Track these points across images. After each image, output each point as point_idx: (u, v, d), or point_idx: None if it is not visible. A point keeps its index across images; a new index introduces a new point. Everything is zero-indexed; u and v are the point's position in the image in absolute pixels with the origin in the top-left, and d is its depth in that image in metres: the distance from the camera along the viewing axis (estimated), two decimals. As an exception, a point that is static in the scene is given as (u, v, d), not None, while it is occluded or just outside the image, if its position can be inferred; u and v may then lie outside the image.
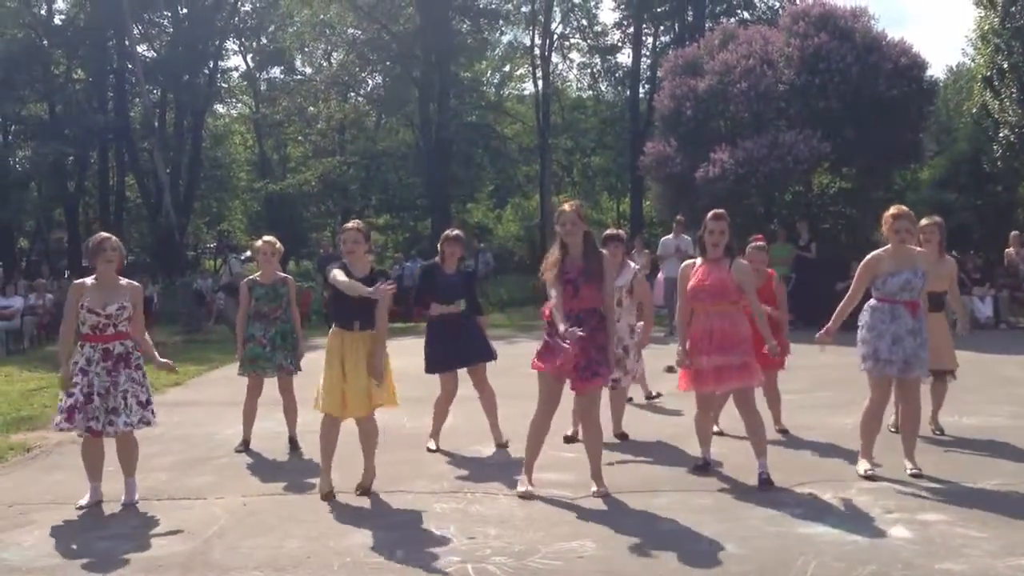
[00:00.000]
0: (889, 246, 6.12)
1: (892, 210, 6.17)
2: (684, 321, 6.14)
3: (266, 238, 7.70)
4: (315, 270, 22.93)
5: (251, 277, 7.73)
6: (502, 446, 7.24)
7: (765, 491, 5.80)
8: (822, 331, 6.19)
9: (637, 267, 7.63)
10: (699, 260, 6.14)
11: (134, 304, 5.96)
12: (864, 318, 6.19)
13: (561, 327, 5.45)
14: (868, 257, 6.21)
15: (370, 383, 5.86)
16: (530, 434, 5.95)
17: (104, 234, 6.11)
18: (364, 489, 6.00)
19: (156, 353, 6.15)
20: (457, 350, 7.19)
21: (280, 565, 4.71)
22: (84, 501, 5.92)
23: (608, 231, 7.50)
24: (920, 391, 6.23)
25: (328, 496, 5.90)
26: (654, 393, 9.06)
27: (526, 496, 5.79)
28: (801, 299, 13.78)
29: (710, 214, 6.13)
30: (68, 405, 5.76)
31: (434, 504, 5.72)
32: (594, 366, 5.67)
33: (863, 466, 6.17)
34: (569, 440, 7.24)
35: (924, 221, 7.12)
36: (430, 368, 7.30)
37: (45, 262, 27.40)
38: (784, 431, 7.54)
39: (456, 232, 7.48)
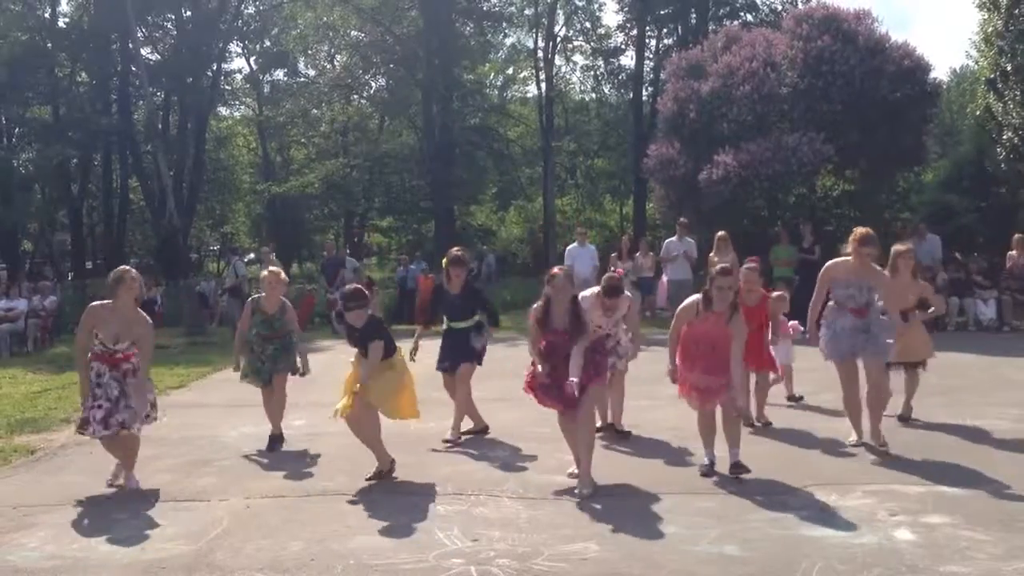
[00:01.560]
0: (850, 259, 6.77)
1: (860, 231, 6.83)
2: (675, 347, 6.39)
3: (271, 268, 8.03)
4: (318, 273, 22.93)
5: (255, 298, 7.86)
6: (448, 440, 7.48)
7: (737, 476, 6.07)
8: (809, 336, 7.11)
9: (630, 296, 7.54)
10: (700, 304, 6.26)
11: (142, 340, 6.27)
12: (824, 316, 6.98)
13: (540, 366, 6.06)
14: (827, 265, 6.99)
15: (391, 393, 6.30)
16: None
17: (125, 267, 6.51)
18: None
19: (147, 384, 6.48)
20: (448, 355, 7.71)
21: (283, 567, 4.71)
22: (127, 484, 6.31)
23: (609, 283, 7.03)
24: (884, 374, 6.89)
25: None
26: (796, 395, 8.76)
27: (572, 475, 6.14)
28: (804, 301, 13.70)
29: (719, 269, 6.28)
30: (100, 416, 6.09)
31: (437, 506, 5.71)
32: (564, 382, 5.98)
33: (851, 438, 6.95)
34: (599, 430, 7.45)
35: (899, 247, 7.70)
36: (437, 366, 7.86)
37: (48, 264, 27.45)
38: (767, 423, 7.77)
39: (458, 253, 7.79)
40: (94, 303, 6.38)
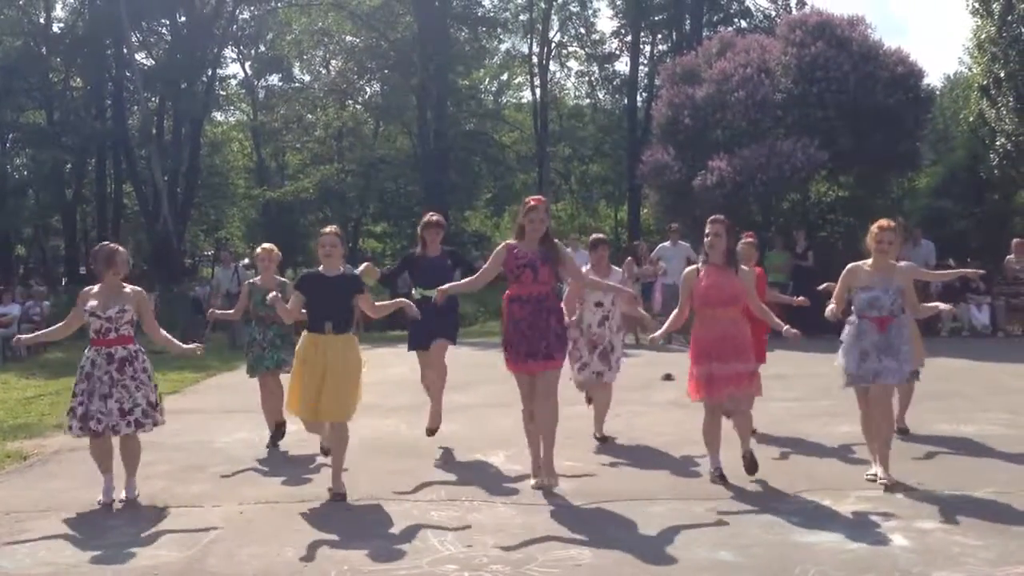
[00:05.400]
0: (871, 259, 6.18)
1: (881, 221, 6.23)
2: (677, 322, 6.32)
3: (265, 245, 8.03)
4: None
5: (252, 281, 8.00)
6: (431, 431, 7.43)
7: (751, 471, 6.07)
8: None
9: (619, 271, 7.79)
10: (702, 265, 6.23)
11: (139, 308, 6.18)
12: (843, 334, 6.33)
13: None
14: (849, 266, 6.31)
15: (347, 390, 6.00)
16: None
17: (115, 245, 6.42)
18: (338, 494, 6.01)
19: (177, 343, 6.50)
20: (430, 329, 7.33)
21: (276, 574, 4.70)
22: (101, 498, 6.07)
23: (595, 236, 7.61)
24: (891, 400, 6.27)
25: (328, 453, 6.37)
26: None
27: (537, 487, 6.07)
28: (798, 308, 13.75)
29: (710, 219, 6.26)
30: (80, 413, 5.98)
31: (431, 512, 5.70)
32: (549, 349, 6.02)
33: (870, 470, 6.26)
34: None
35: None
36: (410, 346, 7.53)
37: (42, 269, 27.39)
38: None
39: (434, 218, 7.58)
40: (85, 288, 6.35)
